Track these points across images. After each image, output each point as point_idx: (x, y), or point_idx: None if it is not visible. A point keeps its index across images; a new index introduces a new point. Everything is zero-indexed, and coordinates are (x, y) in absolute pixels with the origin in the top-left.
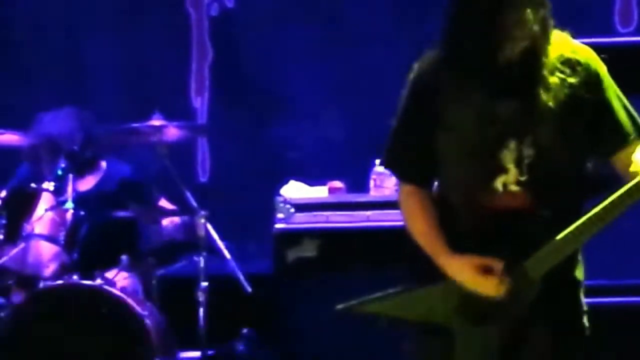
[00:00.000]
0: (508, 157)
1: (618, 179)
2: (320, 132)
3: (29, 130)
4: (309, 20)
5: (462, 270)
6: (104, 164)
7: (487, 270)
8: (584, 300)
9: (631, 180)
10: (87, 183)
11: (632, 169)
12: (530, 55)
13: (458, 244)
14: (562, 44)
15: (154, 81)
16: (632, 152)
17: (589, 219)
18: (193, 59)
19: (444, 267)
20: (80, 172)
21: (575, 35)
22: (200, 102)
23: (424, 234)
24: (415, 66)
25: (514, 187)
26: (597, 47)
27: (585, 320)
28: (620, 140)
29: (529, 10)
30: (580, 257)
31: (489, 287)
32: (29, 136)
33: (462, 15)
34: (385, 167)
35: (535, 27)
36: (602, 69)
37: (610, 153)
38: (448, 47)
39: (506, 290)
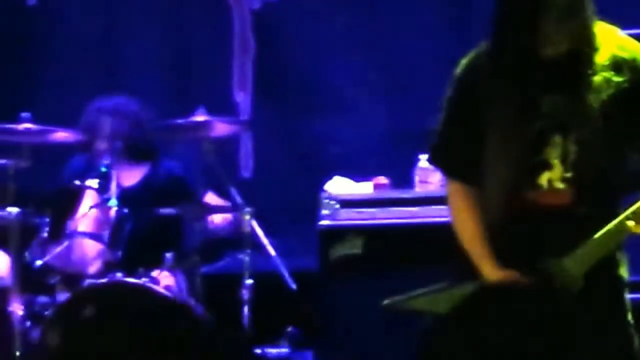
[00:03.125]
0: (553, 153)
1: None
2: (364, 126)
3: (77, 122)
4: (352, 13)
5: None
6: (153, 156)
7: None
8: (628, 297)
9: None
10: (134, 176)
11: None
12: (574, 55)
13: (499, 242)
14: (609, 40)
15: (196, 76)
16: None
17: (621, 222)
18: (235, 53)
19: (487, 278)
20: (130, 159)
21: (620, 26)
22: (242, 97)
23: (471, 238)
24: (461, 63)
25: (558, 184)
26: None
27: (629, 317)
28: None
29: (571, 15)
30: (623, 255)
31: None
32: (78, 127)
33: (505, 15)
34: (432, 164)
35: (579, 31)
36: None
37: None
38: (493, 45)
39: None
